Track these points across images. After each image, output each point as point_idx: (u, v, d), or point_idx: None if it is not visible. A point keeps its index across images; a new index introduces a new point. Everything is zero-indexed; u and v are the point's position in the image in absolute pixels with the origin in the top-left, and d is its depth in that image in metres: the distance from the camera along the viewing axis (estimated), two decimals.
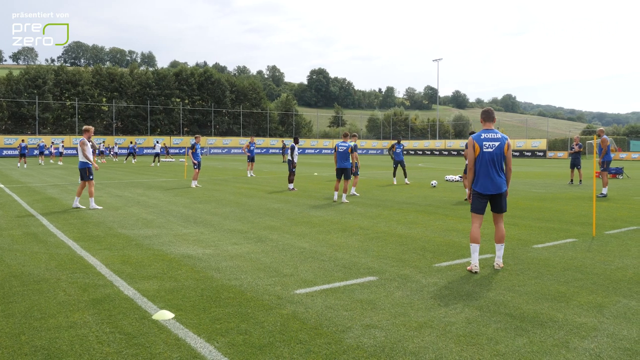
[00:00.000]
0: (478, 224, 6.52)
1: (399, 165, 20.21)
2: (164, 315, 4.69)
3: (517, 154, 68.36)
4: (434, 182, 19.69)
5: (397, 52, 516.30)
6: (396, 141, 20.71)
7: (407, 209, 12.37)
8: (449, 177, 22.71)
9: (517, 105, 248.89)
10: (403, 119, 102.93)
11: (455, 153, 73.34)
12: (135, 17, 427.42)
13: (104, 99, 77.54)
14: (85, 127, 12.71)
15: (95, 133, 70.60)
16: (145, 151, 62.58)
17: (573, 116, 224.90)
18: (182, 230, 9.36)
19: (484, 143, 6.46)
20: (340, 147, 14.31)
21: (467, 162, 6.83)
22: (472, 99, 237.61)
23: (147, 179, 22.54)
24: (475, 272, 6.29)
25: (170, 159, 48.36)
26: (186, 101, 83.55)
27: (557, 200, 14.40)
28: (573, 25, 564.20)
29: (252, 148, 24.95)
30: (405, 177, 20.59)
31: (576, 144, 20.97)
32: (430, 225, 9.94)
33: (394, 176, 20.71)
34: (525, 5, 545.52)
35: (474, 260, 6.38)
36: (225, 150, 73.26)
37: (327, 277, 6.10)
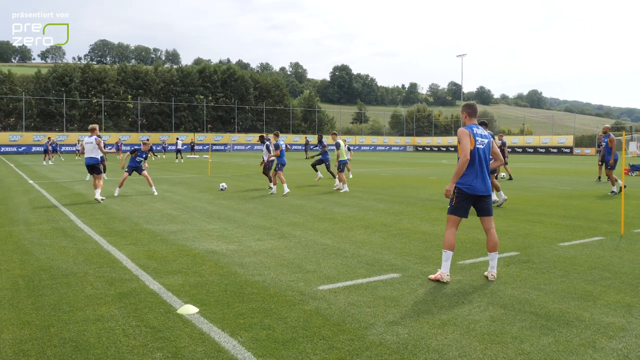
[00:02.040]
0: (456, 228, 5.93)
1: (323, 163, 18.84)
2: (189, 309, 4.75)
3: (542, 150, 67.40)
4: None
5: (420, 47, 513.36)
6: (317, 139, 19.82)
7: (431, 206, 12.29)
8: None
9: (543, 101, 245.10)
10: (426, 115, 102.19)
11: None
12: (158, 15, 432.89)
13: (129, 97, 78.58)
14: (92, 125, 13.38)
15: (120, 130, 71.74)
16: (169, 147, 63.35)
17: (601, 112, 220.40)
18: (206, 226, 9.45)
19: (477, 138, 5.87)
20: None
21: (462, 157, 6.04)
22: (496, 94, 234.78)
23: (172, 175, 22.80)
24: (446, 282, 5.70)
25: (194, 156, 48.84)
26: (210, 98, 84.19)
27: (584, 198, 14.15)
28: (599, 17, 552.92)
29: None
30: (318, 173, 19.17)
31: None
32: None
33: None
34: None
35: (445, 269, 5.76)
36: (249, 147, 73.67)
37: (350, 274, 6.10)
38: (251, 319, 4.55)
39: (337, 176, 16.58)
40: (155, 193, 14.74)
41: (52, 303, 5.00)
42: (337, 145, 16.97)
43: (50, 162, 34.31)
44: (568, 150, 64.80)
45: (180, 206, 12.21)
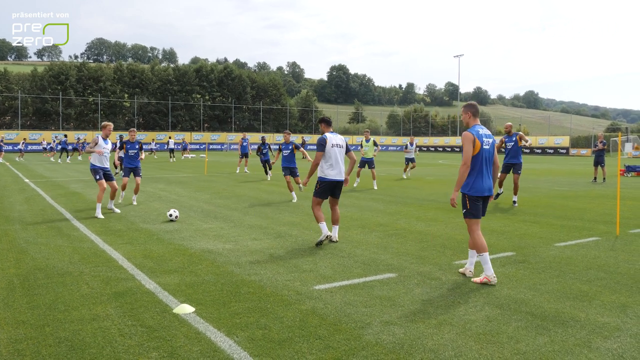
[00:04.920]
0: (479, 229, 5.88)
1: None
2: (185, 309, 4.75)
3: (539, 151, 67.54)
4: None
5: (417, 48, 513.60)
6: (261, 142, 20.72)
7: (427, 206, 12.31)
8: None
9: (540, 102, 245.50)
10: (423, 115, 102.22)
11: None
12: (156, 14, 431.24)
13: (126, 95, 78.40)
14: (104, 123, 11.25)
15: (117, 129, 71.55)
16: (165, 147, 63.19)
17: (597, 113, 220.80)
18: (202, 226, 9.44)
19: (483, 139, 5.78)
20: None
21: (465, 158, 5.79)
22: (493, 95, 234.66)
23: (168, 175, 22.75)
24: (494, 284, 5.66)
25: (191, 155, 48.75)
26: (207, 97, 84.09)
27: (580, 198, 14.19)
28: (596, 19, 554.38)
29: (244, 144, 24.74)
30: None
31: (600, 142, 20.65)
32: (451, 222, 9.88)
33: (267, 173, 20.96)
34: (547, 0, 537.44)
35: (490, 271, 5.68)
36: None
37: (346, 274, 6.10)
38: (247, 319, 4.55)
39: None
40: (135, 203, 12.43)
41: (48, 302, 4.99)
42: None
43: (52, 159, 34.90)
44: (564, 151, 64.94)
45: (176, 205, 12.18)
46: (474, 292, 5.37)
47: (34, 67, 76.72)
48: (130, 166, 12.40)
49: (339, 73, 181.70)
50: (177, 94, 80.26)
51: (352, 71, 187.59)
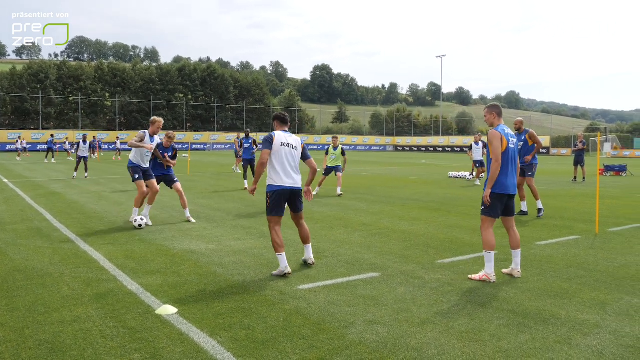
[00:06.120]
0: (492, 228, 5.91)
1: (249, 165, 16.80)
2: (167, 310, 4.71)
3: None
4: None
5: (400, 48, 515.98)
6: (244, 135, 17.50)
7: (410, 205, 12.37)
8: (452, 173, 22.67)
9: (521, 102, 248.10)
10: (406, 115, 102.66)
11: (458, 150, 73.16)
12: (139, 12, 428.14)
13: (107, 94, 77.54)
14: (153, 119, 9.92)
15: (98, 128, 70.67)
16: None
17: (577, 113, 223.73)
18: (185, 226, 9.38)
19: (509, 139, 5.88)
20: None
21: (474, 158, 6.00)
22: (475, 95, 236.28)
23: None
24: (493, 282, 5.73)
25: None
26: (189, 97, 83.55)
27: (560, 198, 14.37)
28: (576, 22, 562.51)
29: None
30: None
31: (580, 141, 20.94)
32: (434, 222, 9.94)
33: (245, 178, 17.10)
34: (528, 1, 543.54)
35: (491, 269, 5.78)
36: (229, 145, 73.23)
37: (330, 273, 6.11)
38: (231, 319, 4.53)
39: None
40: (192, 220, 9.90)
41: (27, 304, 4.92)
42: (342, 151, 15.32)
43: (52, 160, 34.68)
44: (545, 151, 65.68)
45: (158, 205, 12.09)
46: (457, 291, 5.41)
47: (12, 66, 75.51)
48: (159, 174, 10.26)
49: (322, 73, 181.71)
50: (160, 94, 79.59)
51: (335, 71, 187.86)
